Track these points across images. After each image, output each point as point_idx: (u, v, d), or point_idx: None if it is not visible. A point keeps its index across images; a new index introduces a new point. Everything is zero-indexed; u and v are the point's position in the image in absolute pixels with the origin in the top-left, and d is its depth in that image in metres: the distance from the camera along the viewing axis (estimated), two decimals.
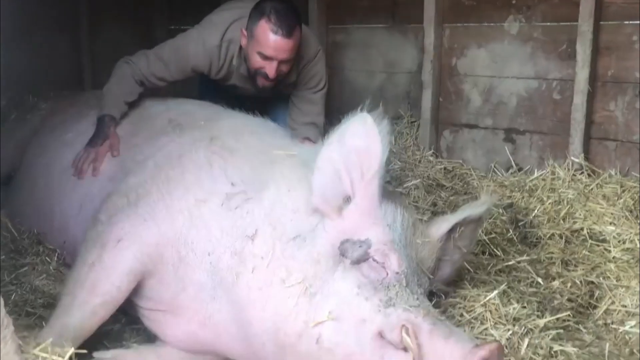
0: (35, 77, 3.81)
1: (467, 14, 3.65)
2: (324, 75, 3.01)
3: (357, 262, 1.72)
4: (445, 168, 3.70)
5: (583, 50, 3.13)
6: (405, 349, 1.57)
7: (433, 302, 1.94)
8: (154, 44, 4.03)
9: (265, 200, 1.90)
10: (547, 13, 3.34)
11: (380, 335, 1.61)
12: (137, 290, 2.03)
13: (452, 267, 2.13)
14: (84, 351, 1.80)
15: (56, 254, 2.52)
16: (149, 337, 2.18)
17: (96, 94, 3.13)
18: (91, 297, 1.94)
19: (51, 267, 2.46)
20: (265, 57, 2.67)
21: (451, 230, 2.02)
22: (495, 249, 2.77)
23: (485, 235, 2.81)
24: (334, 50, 4.26)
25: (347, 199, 1.79)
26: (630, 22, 3.07)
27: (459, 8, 3.68)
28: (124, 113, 2.66)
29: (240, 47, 2.81)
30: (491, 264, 2.65)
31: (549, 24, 3.34)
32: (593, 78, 3.18)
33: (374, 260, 1.72)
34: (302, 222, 1.81)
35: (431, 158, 3.77)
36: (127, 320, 2.35)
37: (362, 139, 1.74)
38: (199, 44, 2.79)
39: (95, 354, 2.03)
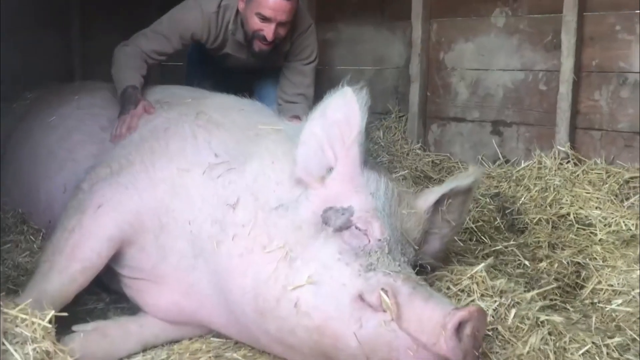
0: (26, 77, 3.82)
1: (454, 8, 3.70)
2: (315, 48, 3.08)
3: (340, 229, 1.72)
4: (432, 161, 3.73)
5: (568, 40, 3.18)
6: (384, 311, 1.56)
7: (417, 272, 1.94)
8: None
9: (248, 171, 1.92)
10: (533, 5, 3.40)
11: (360, 298, 1.60)
12: (118, 258, 2.03)
13: (442, 241, 2.12)
14: (65, 314, 1.78)
15: (41, 233, 2.49)
16: (133, 315, 2.16)
17: (83, 83, 3.16)
18: (70, 263, 1.92)
19: (35, 246, 2.43)
20: (264, 19, 2.73)
21: (439, 203, 2.02)
22: (482, 237, 2.78)
23: (473, 223, 2.83)
24: (324, 47, 4.27)
25: (330, 170, 1.81)
26: (613, 12, 3.12)
27: (446, 2, 3.73)
28: (142, 84, 2.63)
29: (237, 13, 2.85)
30: (478, 249, 2.66)
31: (534, 15, 3.40)
32: (578, 68, 3.22)
33: (357, 227, 1.72)
34: (286, 193, 1.83)
35: (419, 151, 3.79)
36: (110, 300, 2.34)
37: (342, 111, 1.78)
38: (197, 11, 2.83)
39: (76, 327, 2.00)
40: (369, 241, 1.71)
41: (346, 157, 1.78)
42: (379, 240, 1.72)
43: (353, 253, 1.68)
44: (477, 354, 1.53)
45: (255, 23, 2.76)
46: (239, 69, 3.18)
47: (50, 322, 1.65)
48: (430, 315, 1.51)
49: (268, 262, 1.71)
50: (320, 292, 1.63)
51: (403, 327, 1.51)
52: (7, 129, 2.97)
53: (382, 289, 1.57)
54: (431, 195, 2.01)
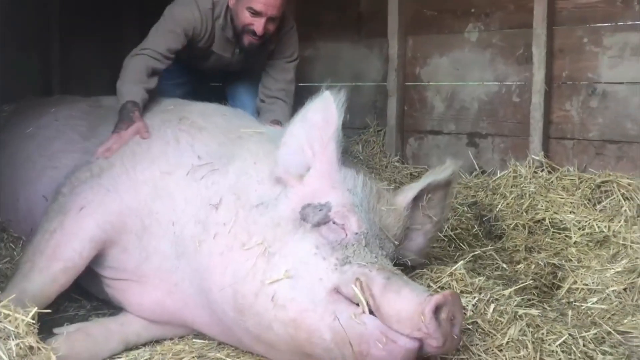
0: (4, 96, 3.82)
1: (428, 25, 3.82)
2: (297, 48, 3.15)
3: (318, 224, 1.74)
4: (411, 173, 3.79)
5: (539, 53, 3.30)
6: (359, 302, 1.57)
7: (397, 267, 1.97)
8: None
9: (230, 172, 1.96)
10: (504, 20, 3.53)
11: (336, 291, 1.62)
12: (100, 260, 2.04)
13: (425, 237, 2.16)
14: (48, 311, 1.77)
15: (21, 241, 2.48)
16: None
17: (61, 97, 3.18)
18: (52, 263, 1.93)
19: (15, 253, 2.43)
20: (255, 13, 2.78)
21: (418, 199, 2.07)
22: (461, 244, 2.84)
23: (452, 230, 2.88)
24: (303, 64, 4.34)
25: (309, 169, 1.84)
26: (581, 25, 3.25)
27: (421, 19, 3.85)
28: (145, 100, 2.54)
29: (227, 9, 2.90)
30: (457, 255, 2.71)
31: (506, 30, 3.52)
32: (549, 80, 3.33)
33: (334, 222, 1.75)
34: (266, 192, 1.86)
35: (397, 164, 3.86)
36: (91, 306, 2.34)
37: (321, 113, 1.83)
38: (194, 7, 2.85)
39: (58, 329, 2.00)
40: (346, 235, 1.74)
41: (323, 154, 1.82)
42: (356, 233, 1.74)
43: (330, 247, 1.70)
44: (457, 338, 1.56)
45: (246, 17, 2.80)
46: (215, 73, 3.23)
47: (33, 318, 1.66)
48: (408, 304, 1.52)
49: (247, 259, 1.74)
50: (297, 286, 1.65)
51: (383, 319, 1.53)
52: None
53: (357, 279, 1.59)
54: (410, 191, 2.05)
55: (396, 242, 1.94)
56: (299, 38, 4.31)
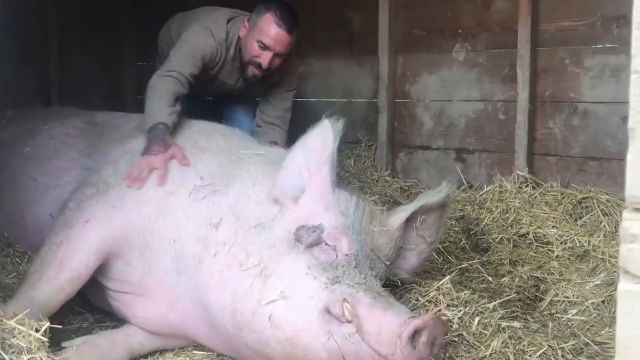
0: (2, 109, 3.89)
1: (418, 44, 3.94)
2: (297, 77, 3.29)
3: (310, 246, 1.82)
4: (401, 187, 3.91)
5: (523, 73, 3.43)
6: (349, 322, 1.65)
7: (387, 287, 2.06)
8: (123, 79, 4.17)
9: (231, 193, 2.04)
10: (490, 41, 3.65)
11: (327, 311, 1.69)
12: (105, 272, 2.13)
13: (419, 257, 2.22)
14: (59, 326, 1.87)
15: (26, 256, 2.57)
16: None
17: (53, 109, 3.22)
18: (59, 273, 2.03)
19: (21, 268, 2.51)
20: (263, 47, 2.86)
21: (411, 220, 2.13)
22: (449, 256, 2.95)
23: (440, 244, 2.98)
24: None
25: (304, 191, 1.93)
26: (563, 47, 3.39)
27: (410, 39, 3.97)
28: (175, 124, 2.47)
29: (238, 39, 2.98)
30: (444, 268, 2.82)
31: (491, 50, 3.65)
32: (533, 98, 3.46)
33: (326, 243, 1.82)
34: (264, 213, 1.94)
35: (388, 178, 3.97)
36: (95, 319, 2.42)
37: (319, 140, 1.93)
38: (210, 37, 2.92)
39: (65, 343, 2.09)
40: (337, 256, 1.81)
41: (317, 176, 1.90)
42: (347, 255, 1.82)
43: (321, 267, 1.78)
44: (434, 358, 1.62)
45: (254, 50, 2.87)
46: (213, 96, 3.34)
47: (44, 333, 1.74)
48: (388, 326, 1.59)
49: (244, 279, 1.81)
50: (291, 306, 1.73)
51: (365, 339, 1.61)
52: None
53: (345, 300, 1.66)
54: (402, 213, 2.11)
55: (387, 262, 2.00)
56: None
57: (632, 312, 0.68)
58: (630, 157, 0.70)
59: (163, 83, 2.66)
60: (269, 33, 2.84)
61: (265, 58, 2.87)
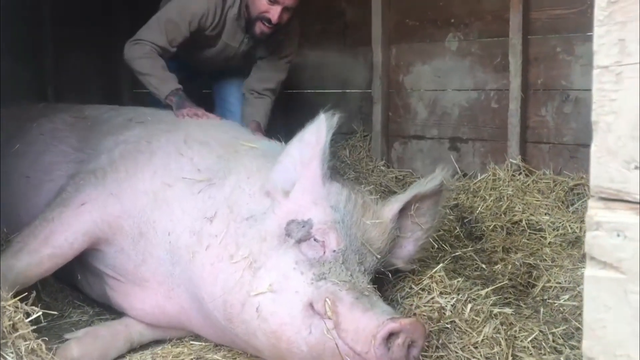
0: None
1: (411, 34, 3.96)
2: (296, 48, 3.28)
3: (300, 241, 1.83)
4: (396, 177, 3.94)
5: (515, 61, 3.45)
6: (330, 319, 1.66)
7: (378, 279, 2.07)
8: (119, 74, 4.13)
9: (226, 186, 2.06)
10: (482, 30, 3.67)
11: (311, 306, 1.72)
12: (101, 258, 2.16)
13: (416, 244, 2.21)
14: (55, 312, 1.93)
15: None
16: None
17: (43, 107, 3.25)
18: (42, 247, 2.06)
19: None
20: (272, 1, 2.84)
21: (406, 209, 2.11)
22: (443, 245, 2.98)
23: (434, 232, 3.03)
24: (291, 72, 4.47)
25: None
26: (554, 35, 3.41)
27: (403, 29, 3.99)
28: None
29: None
30: (439, 256, 2.86)
31: (484, 39, 3.67)
32: (525, 87, 3.49)
33: (315, 239, 1.83)
34: (257, 205, 1.96)
35: (383, 168, 4.00)
36: (94, 312, 2.47)
37: (315, 134, 1.94)
38: (204, 0, 2.94)
39: (67, 335, 2.14)
40: (324, 252, 1.82)
41: (307, 170, 1.91)
42: (334, 251, 1.83)
43: (308, 263, 1.79)
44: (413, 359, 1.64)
45: (262, 4, 2.85)
46: (209, 67, 3.32)
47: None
48: (365, 325, 1.61)
49: (235, 271, 1.84)
50: (277, 299, 1.75)
51: (341, 336, 1.63)
52: None
53: (326, 298, 1.68)
54: (395, 203, 2.08)
55: (378, 256, 1.98)
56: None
57: (597, 296, 0.71)
58: (594, 148, 0.74)
59: (143, 52, 2.82)
60: None
61: (274, 12, 2.84)
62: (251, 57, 3.26)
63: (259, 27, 2.92)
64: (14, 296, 1.73)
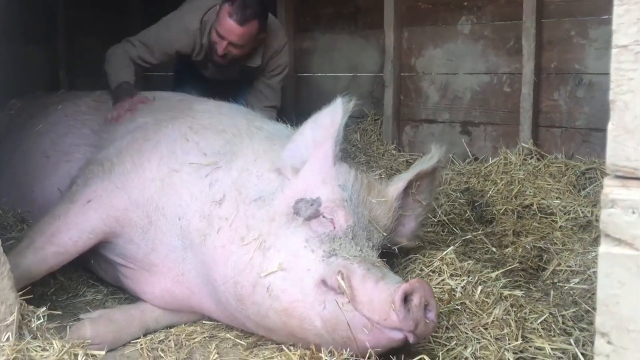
0: (11, 89, 3.94)
1: (423, 17, 3.94)
2: (287, 65, 3.39)
3: (309, 219, 1.86)
4: (407, 161, 3.94)
5: (528, 45, 3.43)
6: (343, 294, 1.68)
7: (388, 258, 2.10)
8: None
9: (233, 169, 2.07)
10: (495, 13, 3.65)
11: (324, 283, 1.74)
12: (110, 248, 2.19)
13: (416, 220, 2.26)
14: (58, 312, 1.93)
15: None
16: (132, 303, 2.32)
17: (67, 93, 3.34)
18: (46, 245, 2.08)
19: None
20: (219, 35, 3.04)
21: (408, 187, 2.16)
22: (454, 228, 2.99)
23: (445, 216, 3.04)
24: (301, 55, 4.51)
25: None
26: (568, 18, 3.38)
27: (416, 12, 3.97)
28: (134, 82, 2.98)
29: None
30: (450, 239, 2.87)
31: (497, 23, 3.65)
32: (538, 71, 3.47)
33: (324, 216, 1.86)
34: (265, 187, 1.98)
35: (394, 152, 4.01)
36: (108, 291, 2.50)
37: (329, 117, 1.97)
38: (181, 30, 3.11)
39: (82, 315, 2.17)
40: (334, 228, 1.84)
41: (319, 150, 1.94)
42: (344, 227, 1.86)
43: (318, 240, 1.81)
44: (431, 324, 1.66)
45: (214, 36, 3.07)
46: (220, 80, 3.43)
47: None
48: (380, 294, 1.63)
49: (245, 252, 1.86)
50: (288, 277, 1.77)
51: (357, 308, 1.65)
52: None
53: (339, 272, 1.70)
54: (400, 182, 2.13)
55: (384, 233, 2.03)
56: (299, 30, 4.49)
57: (611, 273, 0.72)
58: (611, 127, 0.74)
59: (117, 53, 3.09)
60: (222, 23, 3.01)
61: (220, 46, 3.05)
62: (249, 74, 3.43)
63: (214, 56, 3.14)
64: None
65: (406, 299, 1.61)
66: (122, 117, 2.62)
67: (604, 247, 0.76)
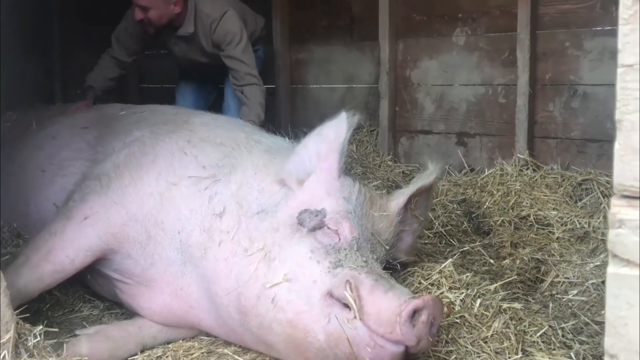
0: (6, 101, 3.92)
1: (418, 29, 3.96)
2: (238, 31, 3.43)
3: (313, 229, 1.85)
4: (403, 171, 3.94)
5: (523, 56, 3.45)
6: (350, 305, 1.67)
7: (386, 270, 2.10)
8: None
9: (232, 182, 2.06)
10: (490, 25, 3.67)
11: (330, 294, 1.72)
12: (107, 264, 2.16)
13: (413, 235, 2.27)
14: (55, 329, 1.91)
15: None
16: (129, 318, 2.30)
17: (62, 106, 3.38)
18: (43, 263, 2.05)
19: None
20: (132, 3, 3.34)
21: (407, 202, 2.17)
22: (451, 239, 2.99)
23: (442, 227, 3.03)
24: (297, 67, 4.51)
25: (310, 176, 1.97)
26: (563, 30, 3.40)
27: (410, 24, 3.99)
28: (108, 87, 3.50)
29: None
30: (447, 251, 2.87)
31: (491, 34, 3.67)
32: (533, 82, 3.49)
33: (329, 227, 1.85)
34: (266, 199, 1.97)
35: (390, 163, 4.01)
36: (104, 306, 2.47)
37: (333, 130, 1.97)
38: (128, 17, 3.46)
39: (78, 331, 2.14)
40: (339, 239, 1.84)
41: (324, 163, 1.94)
42: (348, 239, 1.85)
43: (324, 251, 1.80)
44: (432, 339, 1.66)
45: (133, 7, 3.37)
46: (196, 68, 3.71)
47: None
48: (388, 306, 1.62)
49: (249, 263, 1.84)
50: (293, 288, 1.75)
51: (363, 319, 1.63)
52: None
53: (347, 281, 1.69)
54: (401, 197, 2.14)
55: (387, 247, 2.04)
56: (294, 42, 4.49)
57: (619, 294, 0.71)
58: (618, 146, 0.74)
59: (103, 57, 3.62)
60: None
61: (136, 13, 3.32)
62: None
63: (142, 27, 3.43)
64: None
65: (414, 313, 1.61)
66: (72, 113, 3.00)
67: (612, 268, 0.75)
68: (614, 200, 0.75)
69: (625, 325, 0.72)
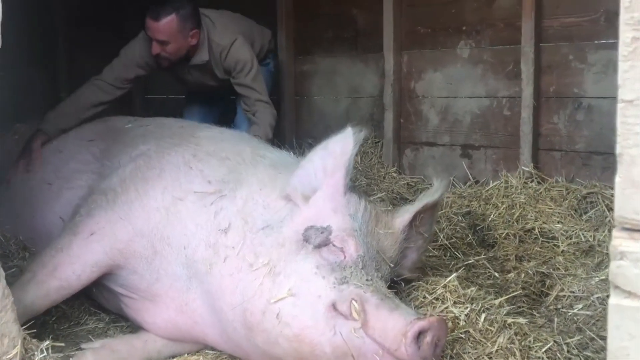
0: (13, 112, 3.95)
1: (422, 41, 3.97)
2: (248, 59, 3.43)
3: (319, 246, 1.85)
4: (408, 183, 3.95)
5: (527, 69, 3.46)
6: (355, 320, 1.68)
7: (392, 288, 2.10)
8: None
9: (238, 197, 2.07)
10: (494, 37, 3.68)
11: (334, 307, 1.73)
12: (113, 279, 2.17)
13: (418, 252, 2.27)
14: (62, 344, 1.92)
15: None
16: (134, 332, 2.31)
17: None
18: (49, 279, 2.07)
19: None
20: (150, 38, 3.26)
21: (413, 219, 2.16)
22: (456, 252, 2.99)
23: (447, 240, 3.04)
24: (302, 78, 4.54)
25: (316, 192, 1.97)
26: (567, 43, 3.41)
27: (415, 36, 4.00)
28: (69, 127, 3.04)
29: None
30: (452, 264, 2.87)
31: (496, 47, 3.68)
32: (537, 94, 3.49)
33: (334, 245, 1.86)
34: (272, 215, 1.98)
35: (395, 174, 4.02)
36: (110, 319, 2.49)
37: (339, 145, 1.97)
38: (144, 40, 3.34)
39: (84, 345, 2.16)
40: (345, 257, 1.84)
41: (331, 179, 1.94)
42: (354, 257, 1.85)
43: (329, 268, 1.81)
44: (435, 358, 1.66)
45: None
46: (202, 87, 3.68)
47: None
48: (394, 324, 1.63)
49: (255, 278, 1.85)
50: (298, 303, 1.76)
51: (369, 334, 1.64)
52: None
53: (353, 299, 1.70)
54: (406, 214, 2.13)
55: (392, 265, 2.04)
56: (299, 53, 4.53)
57: (621, 325, 0.72)
58: (619, 180, 0.75)
59: (85, 87, 3.34)
60: (145, 24, 3.23)
61: (153, 48, 3.24)
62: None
63: (157, 61, 3.34)
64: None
65: (420, 334, 1.61)
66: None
67: (614, 299, 0.76)
68: (615, 233, 0.76)
69: (627, 356, 0.73)
